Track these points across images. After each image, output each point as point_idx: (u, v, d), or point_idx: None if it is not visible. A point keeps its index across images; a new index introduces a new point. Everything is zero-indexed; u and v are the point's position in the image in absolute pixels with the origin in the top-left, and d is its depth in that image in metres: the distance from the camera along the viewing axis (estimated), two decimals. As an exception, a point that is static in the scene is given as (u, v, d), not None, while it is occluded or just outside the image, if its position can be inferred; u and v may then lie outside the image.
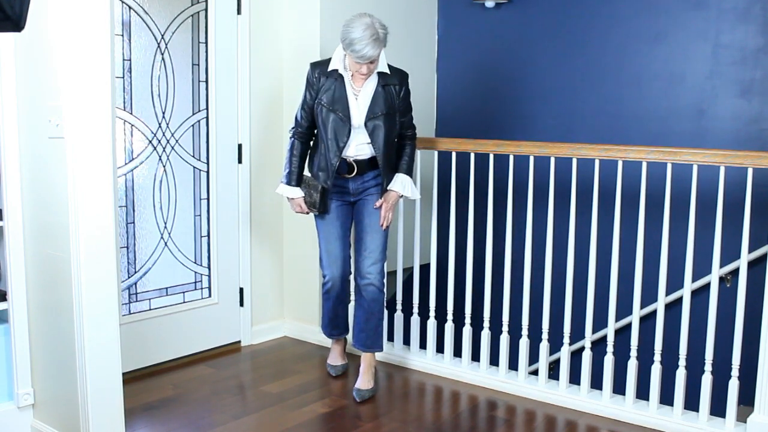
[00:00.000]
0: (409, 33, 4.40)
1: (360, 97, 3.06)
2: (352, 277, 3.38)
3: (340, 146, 3.06)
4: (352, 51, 2.86)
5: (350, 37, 2.85)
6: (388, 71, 3.08)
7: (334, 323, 3.46)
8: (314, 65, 3.14)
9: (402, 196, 3.22)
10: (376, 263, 3.19)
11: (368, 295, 3.22)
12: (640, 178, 2.96)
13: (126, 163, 3.35)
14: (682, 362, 2.92)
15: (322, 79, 3.08)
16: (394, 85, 3.09)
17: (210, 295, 3.75)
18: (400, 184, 3.18)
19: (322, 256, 3.30)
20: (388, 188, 3.17)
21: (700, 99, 3.77)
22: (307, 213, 3.24)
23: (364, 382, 3.25)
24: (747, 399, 2.90)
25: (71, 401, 2.52)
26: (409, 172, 3.23)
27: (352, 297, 3.48)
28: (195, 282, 3.69)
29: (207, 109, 3.64)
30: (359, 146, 3.11)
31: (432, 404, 3.28)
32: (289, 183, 3.20)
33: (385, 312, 3.75)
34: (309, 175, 3.23)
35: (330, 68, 3.08)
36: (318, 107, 3.08)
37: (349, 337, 3.62)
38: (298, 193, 3.19)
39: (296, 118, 3.20)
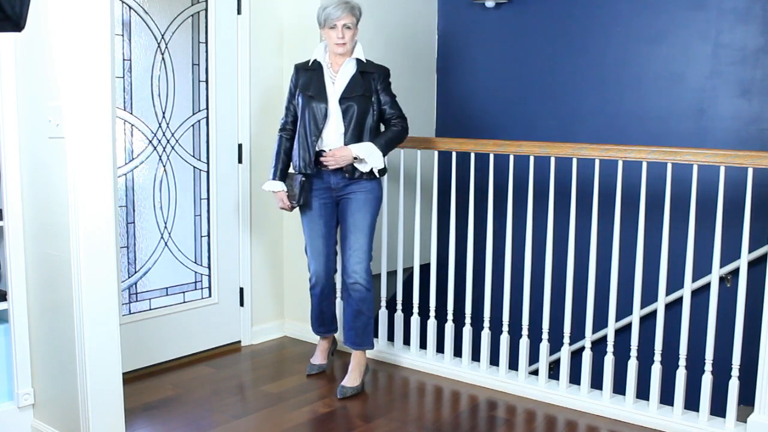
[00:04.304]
0: (409, 33, 4.39)
1: (337, 81, 3.20)
2: (339, 276, 3.40)
3: (319, 127, 3.16)
4: (327, 16, 3.11)
5: (324, 6, 3.14)
6: (364, 60, 3.22)
7: (320, 320, 3.48)
8: (297, 65, 3.32)
9: (356, 158, 3.13)
10: (361, 262, 3.22)
11: (355, 294, 3.24)
12: (640, 178, 2.96)
13: (126, 163, 3.35)
14: (682, 362, 2.92)
15: (302, 73, 3.26)
16: (372, 74, 3.21)
17: (210, 295, 3.75)
18: (360, 146, 3.13)
19: (308, 253, 3.35)
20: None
21: (700, 99, 3.77)
22: (290, 209, 3.30)
23: (350, 379, 3.27)
24: (747, 399, 2.90)
25: (71, 401, 2.52)
26: (381, 146, 3.16)
27: (341, 295, 3.51)
28: (195, 282, 3.69)
29: (207, 109, 3.64)
30: (339, 136, 3.16)
31: (432, 404, 3.28)
32: (273, 178, 3.29)
33: (384, 312, 3.77)
34: (292, 171, 3.30)
35: (311, 61, 3.25)
36: (298, 96, 3.23)
37: (340, 335, 3.63)
38: (279, 186, 3.26)
39: (282, 116, 3.34)
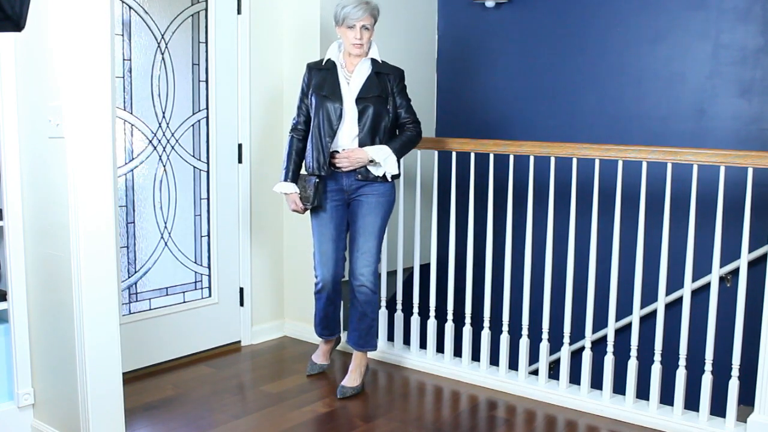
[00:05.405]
0: (409, 33, 4.40)
1: (352, 82, 3.15)
2: (347, 277, 3.37)
3: (333, 127, 3.11)
4: (346, 15, 3.05)
5: (343, 4, 3.07)
6: (379, 60, 3.18)
7: (324, 323, 3.45)
8: (309, 64, 3.28)
9: (371, 161, 3.12)
10: (368, 265, 3.19)
11: (361, 296, 3.22)
12: (640, 178, 2.96)
13: (126, 163, 3.35)
14: (682, 362, 2.92)
15: (315, 72, 3.21)
16: (388, 76, 3.17)
17: (210, 295, 3.75)
18: (376, 149, 3.11)
19: (316, 256, 3.30)
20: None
21: (700, 99, 3.77)
22: (303, 211, 3.24)
23: (350, 380, 3.26)
24: (747, 399, 2.90)
25: (71, 401, 2.52)
26: (396, 150, 3.14)
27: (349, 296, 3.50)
28: (195, 282, 3.69)
29: (207, 109, 3.64)
30: (353, 137, 3.12)
31: (432, 404, 3.28)
32: (285, 179, 3.23)
33: (384, 312, 3.77)
34: (305, 172, 3.25)
35: (324, 60, 3.21)
36: (311, 96, 3.18)
37: (344, 334, 3.63)
38: (292, 188, 3.21)
39: (294, 116, 3.28)
